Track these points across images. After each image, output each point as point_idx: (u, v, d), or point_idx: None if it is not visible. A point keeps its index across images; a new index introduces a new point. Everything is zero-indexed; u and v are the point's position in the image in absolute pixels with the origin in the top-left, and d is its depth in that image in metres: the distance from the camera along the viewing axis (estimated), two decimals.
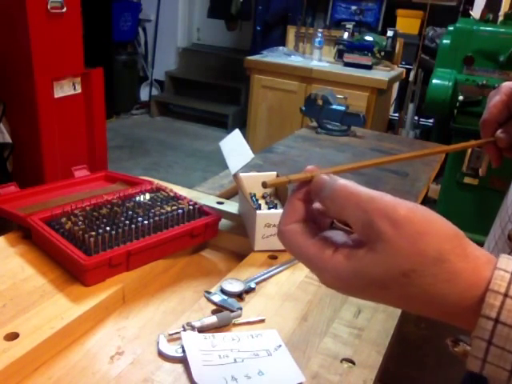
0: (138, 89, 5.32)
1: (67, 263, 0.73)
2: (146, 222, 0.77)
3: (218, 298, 0.71)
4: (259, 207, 0.92)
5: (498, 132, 0.58)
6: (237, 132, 0.92)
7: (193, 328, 0.64)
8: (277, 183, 0.40)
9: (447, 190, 2.67)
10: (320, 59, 3.42)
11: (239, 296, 0.72)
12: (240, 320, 0.67)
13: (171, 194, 0.89)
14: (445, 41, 2.60)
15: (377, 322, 0.69)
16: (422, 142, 2.29)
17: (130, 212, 0.80)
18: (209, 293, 0.72)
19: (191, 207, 0.83)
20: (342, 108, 1.89)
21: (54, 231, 0.76)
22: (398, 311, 0.72)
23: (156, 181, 0.97)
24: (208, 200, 0.96)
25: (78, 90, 2.52)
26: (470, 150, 2.49)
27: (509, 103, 0.57)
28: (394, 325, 0.69)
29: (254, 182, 0.98)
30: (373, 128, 2.64)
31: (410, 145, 1.89)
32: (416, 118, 3.78)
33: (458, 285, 0.32)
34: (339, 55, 3.43)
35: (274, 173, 1.00)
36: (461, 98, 2.42)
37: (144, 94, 5.36)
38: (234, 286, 0.73)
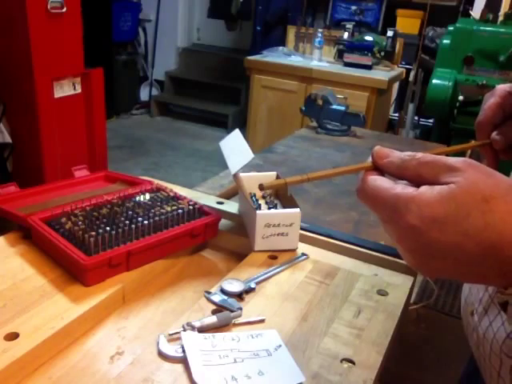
0: (138, 89, 5.32)
1: (67, 263, 0.73)
2: (146, 222, 0.77)
3: (218, 297, 0.71)
4: (259, 207, 0.91)
5: (494, 134, 0.58)
6: (237, 132, 0.92)
7: (193, 328, 0.64)
8: (273, 186, 0.40)
9: None
10: (320, 59, 3.42)
11: (239, 296, 0.72)
12: (240, 320, 0.67)
13: (171, 194, 0.89)
14: (445, 41, 2.60)
15: (377, 322, 0.69)
16: (422, 142, 2.29)
17: (130, 212, 0.80)
18: (209, 293, 0.72)
19: (191, 207, 0.83)
20: (342, 108, 1.89)
21: (54, 231, 0.76)
22: (398, 311, 0.72)
23: (156, 181, 0.97)
24: (208, 200, 0.96)
25: (78, 89, 2.52)
26: (469, 151, 2.49)
27: (503, 105, 0.58)
28: (394, 325, 0.69)
29: (254, 182, 0.97)
30: (373, 128, 2.64)
31: (410, 145, 1.89)
32: (416, 118, 3.78)
33: None
34: (339, 55, 3.43)
35: (274, 173, 1.00)
36: (461, 97, 2.42)
37: (144, 94, 5.36)
38: (234, 286, 0.73)
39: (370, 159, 0.43)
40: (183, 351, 0.60)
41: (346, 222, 1.20)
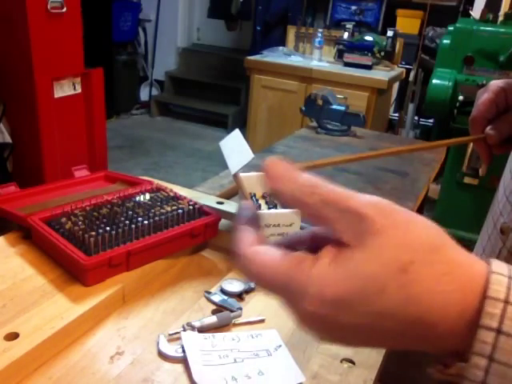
0: (138, 89, 5.32)
1: (67, 263, 0.73)
2: (146, 222, 0.77)
3: (217, 297, 0.71)
4: (259, 207, 0.91)
5: (488, 129, 0.59)
6: (237, 132, 0.92)
7: (193, 328, 0.64)
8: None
9: (447, 189, 2.67)
10: (320, 59, 3.42)
11: (239, 296, 0.72)
12: (240, 320, 0.67)
13: (171, 194, 0.89)
14: (445, 41, 2.60)
15: None
16: (422, 142, 2.29)
17: (130, 212, 0.80)
18: (209, 293, 0.72)
19: (191, 207, 0.83)
20: (342, 108, 1.89)
21: (54, 231, 0.76)
22: None
23: (156, 181, 0.97)
24: (208, 200, 0.96)
25: (78, 89, 2.52)
26: (469, 150, 2.49)
27: (496, 101, 0.59)
28: None
29: (254, 182, 0.97)
30: (373, 128, 2.64)
31: (410, 144, 1.89)
32: (416, 118, 3.78)
33: (458, 278, 0.28)
34: (339, 55, 3.43)
35: None
36: (461, 98, 2.42)
37: (144, 94, 5.36)
38: (234, 286, 0.73)
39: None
40: (183, 351, 0.60)
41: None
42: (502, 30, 2.44)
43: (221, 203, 0.97)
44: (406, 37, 3.70)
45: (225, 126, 4.81)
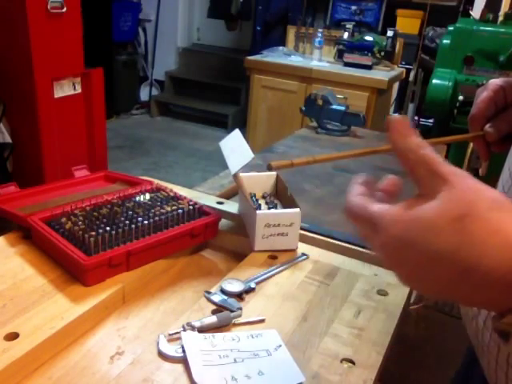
0: (138, 89, 5.32)
1: (67, 263, 0.73)
2: (146, 222, 0.77)
3: (217, 297, 0.71)
4: (259, 207, 0.91)
5: (487, 126, 0.60)
6: (237, 132, 0.92)
7: (193, 328, 0.64)
8: (281, 165, 0.42)
9: None
10: (320, 59, 3.42)
11: (239, 296, 0.72)
12: (240, 320, 0.67)
13: (171, 194, 0.89)
14: (445, 41, 2.60)
15: (377, 321, 0.69)
16: None
17: (130, 212, 0.80)
18: (209, 293, 0.72)
19: (191, 207, 0.83)
20: (342, 108, 1.89)
21: (54, 231, 0.76)
22: (398, 311, 0.72)
23: (156, 181, 0.97)
24: (208, 200, 0.96)
25: (78, 89, 2.52)
26: (469, 150, 2.49)
27: (495, 99, 0.59)
28: (394, 325, 0.69)
29: (254, 182, 0.98)
30: (373, 128, 2.64)
31: None
32: (416, 117, 3.78)
33: (508, 238, 0.31)
34: (339, 55, 3.43)
35: (274, 173, 1.00)
36: (461, 98, 2.42)
37: (144, 94, 5.36)
38: (234, 286, 0.73)
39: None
40: (183, 351, 0.60)
41: (346, 222, 1.20)
42: (502, 29, 2.43)
43: (221, 203, 0.97)
44: (405, 37, 3.70)
45: (225, 126, 4.81)
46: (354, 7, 4.43)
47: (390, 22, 4.24)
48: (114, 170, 1.11)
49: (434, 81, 2.50)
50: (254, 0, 4.76)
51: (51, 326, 0.61)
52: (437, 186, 0.35)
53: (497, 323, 0.34)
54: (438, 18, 3.95)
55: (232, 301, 0.70)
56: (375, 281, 0.79)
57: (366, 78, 3.10)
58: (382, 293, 0.76)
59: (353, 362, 0.61)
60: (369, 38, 3.43)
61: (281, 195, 0.97)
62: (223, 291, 0.72)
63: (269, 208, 0.92)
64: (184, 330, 0.63)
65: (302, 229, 0.87)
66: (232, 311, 0.68)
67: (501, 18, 2.53)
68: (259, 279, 0.76)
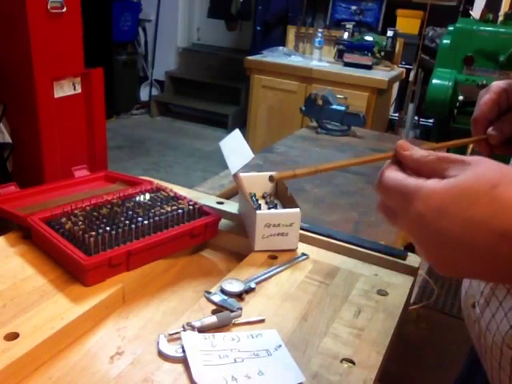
0: (138, 89, 5.32)
1: (67, 263, 0.73)
2: (146, 222, 0.77)
3: (218, 297, 0.71)
4: (259, 207, 0.92)
5: (490, 129, 0.59)
6: (237, 132, 0.92)
7: (193, 328, 0.64)
8: (283, 177, 0.41)
9: None
10: (320, 59, 3.42)
11: (239, 296, 0.72)
12: (240, 320, 0.67)
13: (171, 194, 0.89)
14: (445, 41, 2.60)
15: (377, 321, 0.69)
16: (422, 142, 2.29)
17: (130, 212, 0.80)
18: (209, 293, 0.72)
19: (191, 207, 0.83)
20: (342, 108, 1.89)
21: (53, 231, 0.76)
22: (398, 311, 0.72)
23: (156, 181, 0.97)
24: (208, 200, 0.96)
25: (78, 89, 2.52)
26: (470, 151, 2.49)
27: (498, 101, 0.59)
28: (394, 325, 0.69)
29: (254, 182, 0.98)
30: (373, 128, 2.64)
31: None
32: (416, 118, 3.78)
33: None
34: (339, 55, 3.43)
35: (275, 173, 1.00)
36: (461, 98, 2.42)
37: (144, 94, 5.36)
38: (234, 286, 0.73)
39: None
40: (183, 351, 0.60)
41: (345, 222, 1.20)
42: (502, 29, 2.44)
43: (221, 203, 0.97)
44: (406, 37, 3.70)
45: (225, 126, 4.80)
46: (353, 7, 4.43)
47: (390, 21, 4.24)
48: (114, 169, 1.11)
49: (434, 81, 2.50)
50: (254, 0, 4.76)
51: (51, 326, 0.61)
52: (464, 166, 0.38)
53: None
54: (438, 18, 3.95)
55: (232, 301, 0.70)
56: (375, 281, 0.79)
57: (366, 78, 3.11)
58: (382, 293, 0.76)
59: (353, 362, 0.61)
60: (369, 37, 3.43)
61: (281, 195, 0.97)
62: (223, 291, 0.72)
63: (269, 208, 0.92)
64: (184, 330, 0.63)
65: (302, 229, 0.87)
66: (232, 311, 0.68)
67: (501, 18, 2.53)
68: (259, 279, 0.76)
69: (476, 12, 2.80)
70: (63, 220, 0.77)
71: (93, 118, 2.60)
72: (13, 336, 0.59)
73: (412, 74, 3.73)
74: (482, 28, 2.46)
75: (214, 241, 0.88)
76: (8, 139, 2.34)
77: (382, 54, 3.37)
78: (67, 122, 2.49)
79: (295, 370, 0.59)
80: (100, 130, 2.68)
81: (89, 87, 2.54)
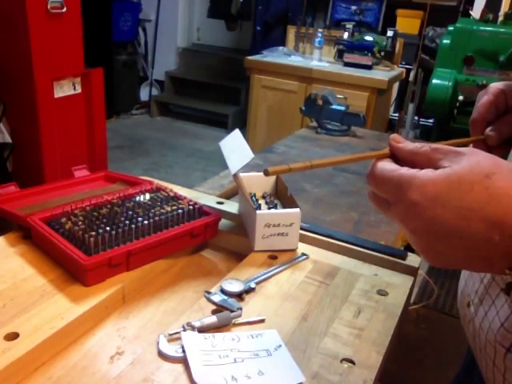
0: (138, 89, 5.32)
1: (67, 263, 0.73)
2: (146, 222, 0.77)
3: (218, 297, 0.71)
4: (259, 207, 0.92)
5: (488, 130, 0.60)
6: (237, 132, 0.92)
7: (193, 328, 0.64)
8: (278, 171, 0.41)
9: None
10: (320, 59, 3.42)
11: (239, 296, 0.72)
12: (240, 320, 0.67)
13: (171, 194, 0.89)
14: (445, 41, 2.60)
15: (377, 321, 0.69)
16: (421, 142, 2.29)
17: (130, 212, 0.80)
18: (209, 293, 0.72)
19: (191, 207, 0.83)
20: (342, 108, 1.89)
21: (54, 231, 0.76)
22: (398, 311, 0.72)
23: (156, 181, 0.97)
24: (208, 200, 0.96)
25: (78, 89, 2.52)
26: None
27: (496, 103, 0.59)
28: (394, 325, 0.69)
29: (254, 182, 0.98)
30: (373, 128, 2.64)
31: None
32: (416, 118, 3.78)
33: None
34: (339, 55, 3.43)
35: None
36: (461, 98, 2.42)
37: (144, 94, 5.36)
38: (234, 286, 0.73)
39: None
40: (183, 351, 0.60)
41: (345, 222, 1.20)
42: (502, 30, 2.44)
43: (221, 203, 0.97)
44: (406, 37, 3.70)
45: (225, 126, 4.80)
46: (354, 7, 4.43)
47: (390, 21, 4.24)
48: (114, 169, 1.11)
49: (434, 81, 2.50)
50: (254, 0, 4.76)
51: (51, 326, 0.61)
52: (458, 156, 0.39)
53: (503, 277, 0.38)
54: (438, 18, 3.95)
55: (232, 301, 0.70)
56: (375, 281, 0.79)
57: (366, 78, 3.11)
58: (382, 293, 0.76)
59: (353, 362, 0.61)
60: (369, 37, 3.43)
61: (281, 195, 0.97)
62: (223, 291, 0.72)
63: (269, 208, 0.92)
64: (184, 330, 0.63)
65: (302, 229, 0.87)
66: (232, 311, 0.68)
67: (501, 18, 2.53)
68: (259, 279, 0.76)
69: (476, 12, 2.80)
70: (63, 220, 0.77)
71: (93, 118, 2.60)
72: (13, 336, 0.59)
73: (412, 74, 3.73)
74: (481, 28, 2.46)
75: (214, 241, 0.88)
76: (8, 139, 2.34)
77: (382, 53, 3.37)
78: (67, 122, 2.49)
79: (295, 370, 0.59)
80: (100, 130, 2.68)
81: (89, 87, 2.54)
